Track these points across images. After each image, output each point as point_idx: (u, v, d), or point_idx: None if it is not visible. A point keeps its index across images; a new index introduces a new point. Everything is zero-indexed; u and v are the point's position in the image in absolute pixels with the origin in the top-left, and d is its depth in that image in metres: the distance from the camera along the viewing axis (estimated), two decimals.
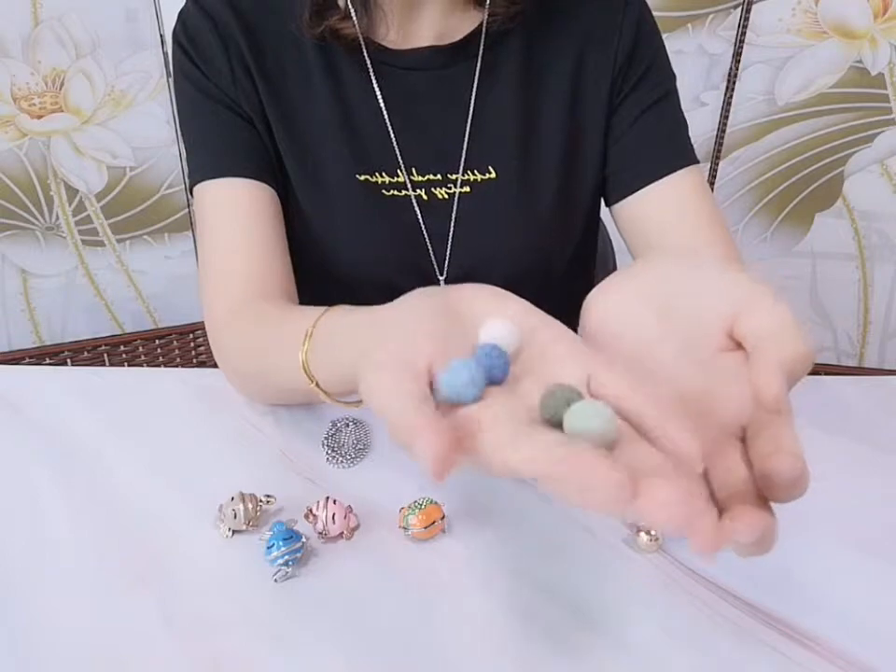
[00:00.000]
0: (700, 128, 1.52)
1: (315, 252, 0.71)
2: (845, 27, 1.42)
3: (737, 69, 1.48)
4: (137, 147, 1.53)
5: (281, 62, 0.68)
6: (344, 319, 0.50)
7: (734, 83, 1.49)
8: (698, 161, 0.75)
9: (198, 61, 0.68)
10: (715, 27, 1.45)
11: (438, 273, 0.71)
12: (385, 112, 0.68)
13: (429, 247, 0.70)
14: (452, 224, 0.70)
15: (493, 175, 0.69)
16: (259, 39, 0.68)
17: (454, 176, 0.69)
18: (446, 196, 0.69)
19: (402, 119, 0.69)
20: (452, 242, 0.70)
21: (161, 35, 1.46)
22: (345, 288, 0.71)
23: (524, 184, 0.70)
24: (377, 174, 0.69)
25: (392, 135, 0.69)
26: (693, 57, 1.47)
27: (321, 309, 0.52)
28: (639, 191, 0.70)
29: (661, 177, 0.70)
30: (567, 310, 0.88)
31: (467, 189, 0.69)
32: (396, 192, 0.69)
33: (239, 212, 0.66)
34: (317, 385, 0.52)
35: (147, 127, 1.52)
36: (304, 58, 0.68)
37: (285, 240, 0.69)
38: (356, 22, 0.65)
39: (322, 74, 0.68)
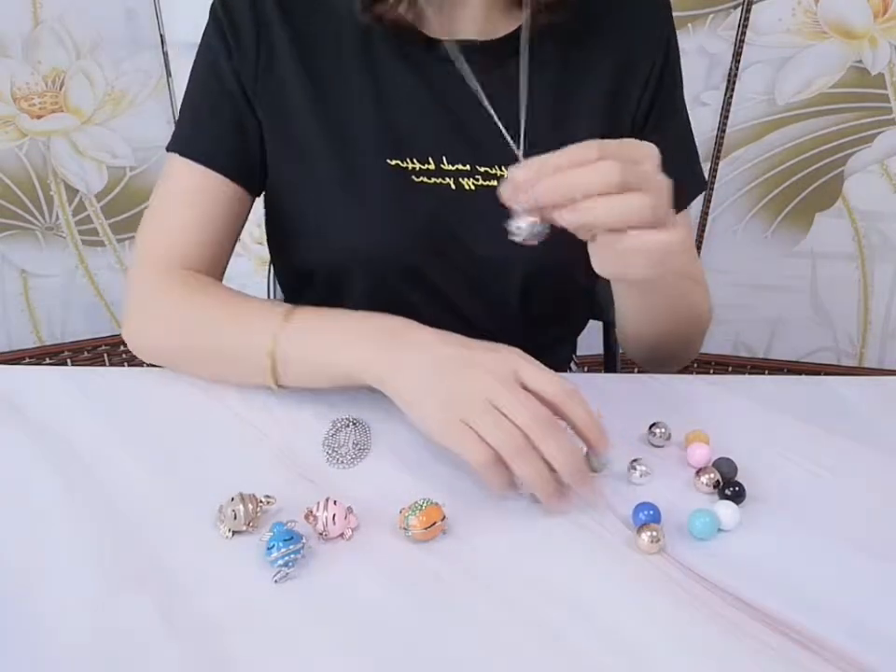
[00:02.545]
0: (700, 128, 1.52)
1: (341, 236, 0.72)
2: (845, 27, 1.42)
3: (737, 69, 1.48)
4: (137, 147, 1.54)
5: (318, 46, 0.70)
6: (315, 336, 0.62)
7: (734, 83, 1.49)
8: (705, 182, 0.81)
9: (228, 36, 0.70)
10: (715, 27, 1.45)
11: (462, 262, 0.72)
12: (419, 99, 0.70)
13: (455, 236, 0.71)
14: (476, 215, 0.70)
15: None
16: (297, 21, 0.70)
17: (482, 169, 0.70)
18: (473, 188, 0.70)
19: (437, 107, 0.70)
20: (477, 233, 0.71)
21: (161, 35, 1.46)
22: (369, 276, 0.72)
23: None
24: (408, 159, 0.70)
25: (426, 123, 0.70)
26: (692, 57, 1.47)
27: (274, 317, 0.63)
28: None
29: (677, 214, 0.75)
30: (586, 305, 0.88)
31: (493, 182, 0.70)
32: (425, 179, 0.70)
33: (203, 200, 0.72)
34: (275, 378, 0.63)
35: (147, 127, 1.52)
36: (342, 43, 0.70)
37: (233, 238, 0.76)
38: (402, 12, 0.66)
39: (360, 57, 0.70)
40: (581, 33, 0.71)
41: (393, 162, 0.70)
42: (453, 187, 0.70)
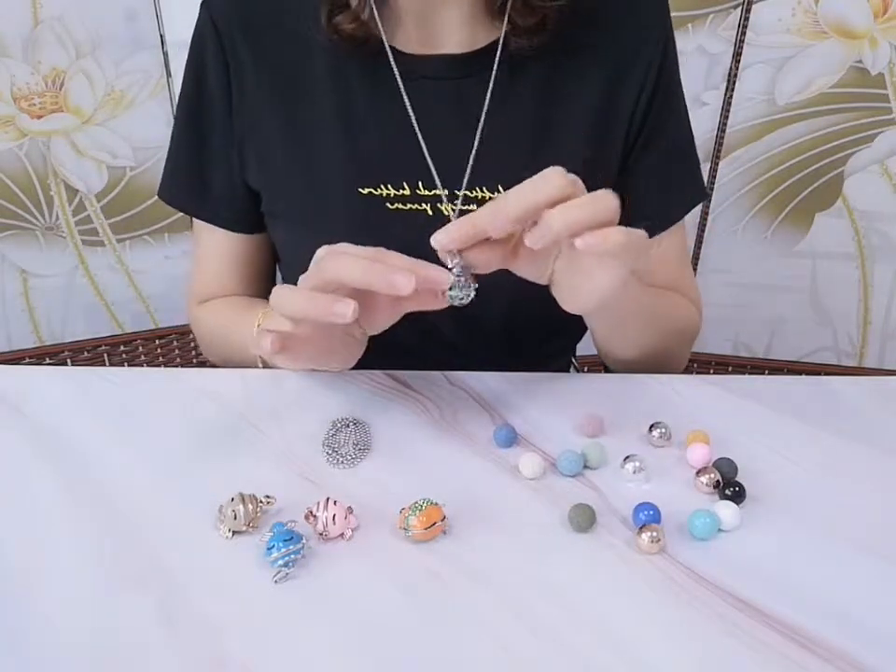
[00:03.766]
0: (700, 128, 1.52)
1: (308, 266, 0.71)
2: (845, 27, 1.42)
3: (737, 69, 1.48)
4: (137, 147, 1.53)
5: (287, 76, 0.68)
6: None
7: (734, 83, 1.49)
8: (705, 191, 0.78)
9: (202, 76, 0.70)
10: (715, 27, 1.45)
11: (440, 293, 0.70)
12: (393, 121, 0.67)
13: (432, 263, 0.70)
14: None
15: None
16: (265, 53, 0.68)
17: (461, 193, 0.67)
18: (452, 212, 0.67)
19: (412, 129, 0.67)
20: None
21: (161, 35, 1.46)
22: None
23: None
24: (381, 186, 0.67)
25: (400, 146, 0.67)
26: (693, 57, 1.47)
27: (257, 316, 0.67)
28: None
29: (669, 227, 0.74)
30: (572, 333, 0.87)
31: (473, 206, 0.67)
32: (400, 206, 0.67)
33: (213, 251, 0.78)
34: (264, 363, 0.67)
35: (147, 127, 1.52)
36: (312, 69, 0.68)
37: (264, 265, 0.80)
38: (371, 25, 0.64)
39: (331, 81, 0.67)
40: (564, 51, 0.68)
41: (366, 191, 0.67)
42: (429, 212, 0.67)
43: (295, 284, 0.73)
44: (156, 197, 0.77)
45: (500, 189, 0.66)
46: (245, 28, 0.68)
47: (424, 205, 0.67)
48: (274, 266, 0.82)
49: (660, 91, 0.70)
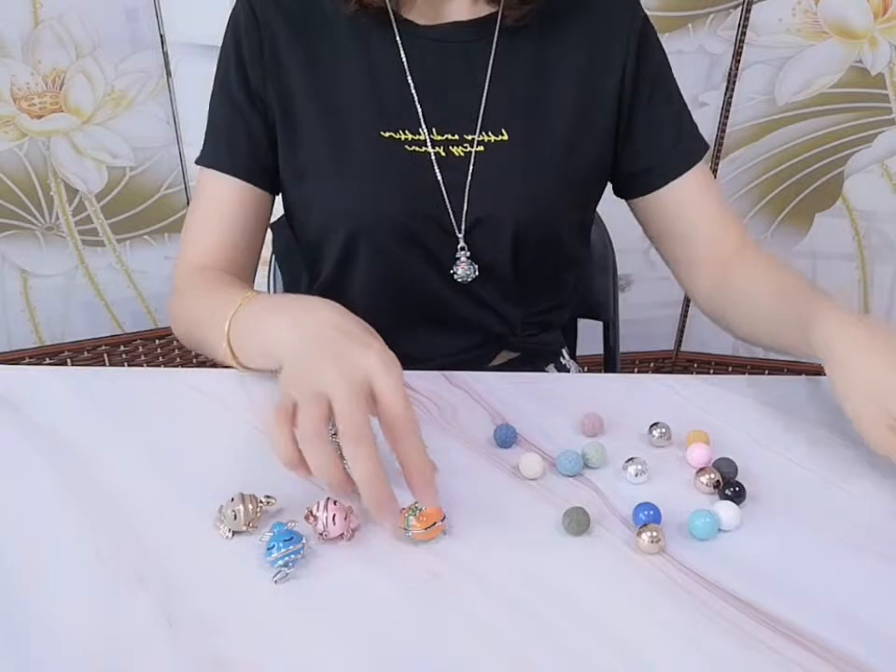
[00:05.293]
0: (700, 128, 1.52)
1: (343, 209, 0.77)
2: (845, 27, 1.42)
3: (737, 69, 1.48)
4: (137, 147, 1.54)
5: (314, 35, 0.77)
6: (253, 306, 0.63)
7: (734, 83, 1.49)
8: (706, 144, 0.85)
9: (241, 46, 0.77)
10: (715, 27, 1.45)
11: (455, 226, 0.77)
12: (409, 77, 0.76)
13: (446, 200, 0.77)
14: (467, 179, 0.76)
15: (505, 137, 0.76)
16: (293, 15, 0.77)
17: (470, 137, 0.76)
18: (462, 154, 0.76)
19: (425, 83, 0.76)
20: (466, 196, 0.76)
21: (160, 35, 1.46)
22: (371, 246, 0.77)
23: (532, 149, 0.77)
24: (401, 131, 0.76)
25: (416, 97, 0.76)
26: (693, 57, 1.47)
27: (232, 305, 0.63)
28: (661, 189, 0.80)
29: (680, 175, 0.80)
30: (565, 267, 0.92)
31: (481, 148, 0.76)
32: (417, 149, 0.76)
33: (223, 208, 0.79)
34: (238, 361, 0.64)
35: (147, 127, 1.52)
36: (337, 32, 0.77)
37: (256, 237, 0.83)
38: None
39: (353, 44, 0.77)
40: (556, 26, 0.77)
41: (387, 134, 0.75)
42: (443, 154, 0.76)
43: (308, 241, 0.82)
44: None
45: (503, 132, 0.76)
46: (277, 6, 0.77)
47: (437, 148, 0.76)
48: (259, 242, 0.85)
49: (644, 62, 0.79)
